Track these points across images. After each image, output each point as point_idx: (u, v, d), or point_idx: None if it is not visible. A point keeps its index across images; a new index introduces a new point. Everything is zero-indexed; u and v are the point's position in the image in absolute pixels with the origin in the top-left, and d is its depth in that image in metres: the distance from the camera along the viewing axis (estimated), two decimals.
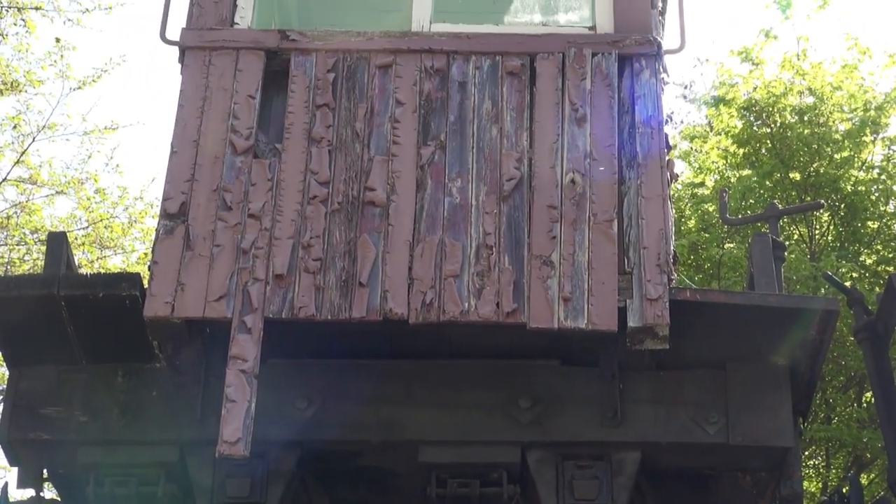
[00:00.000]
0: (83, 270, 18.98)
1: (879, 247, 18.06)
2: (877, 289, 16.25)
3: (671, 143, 8.37)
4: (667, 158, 6.81)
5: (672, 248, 6.53)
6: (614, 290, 6.31)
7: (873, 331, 7.54)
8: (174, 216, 6.49)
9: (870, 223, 18.02)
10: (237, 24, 7.14)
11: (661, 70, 7.08)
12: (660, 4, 7.37)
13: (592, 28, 7.22)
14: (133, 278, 6.55)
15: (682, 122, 24.44)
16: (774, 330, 6.54)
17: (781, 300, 6.80)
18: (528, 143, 6.71)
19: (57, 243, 7.06)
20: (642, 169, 6.64)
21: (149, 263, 6.68)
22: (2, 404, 6.89)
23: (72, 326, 6.55)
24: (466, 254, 6.40)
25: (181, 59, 7.01)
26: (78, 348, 6.66)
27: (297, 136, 6.70)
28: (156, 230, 6.62)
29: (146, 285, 6.39)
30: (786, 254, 8.41)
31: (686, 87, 24.22)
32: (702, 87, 25.14)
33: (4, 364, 6.66)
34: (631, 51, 7.00)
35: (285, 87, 6.90)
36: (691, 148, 20.75)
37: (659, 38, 7.08)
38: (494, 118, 6.78)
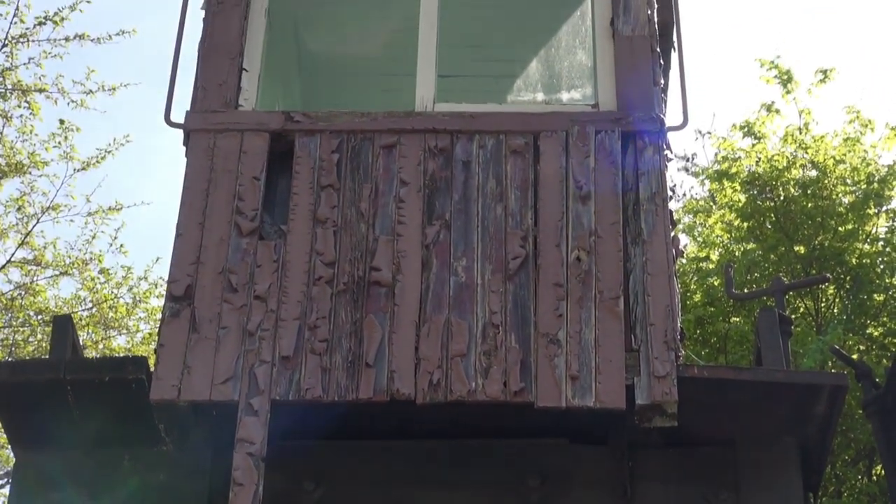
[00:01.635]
0: (88, 351, 18.99)
1: (886, 319, 18.00)
2: (884, 361, 16.21)
3: (675, 217, 8.40)
4: (672, 235, 6.81)
5: (679, 324, 6.52)
6: (622, 367, 6.29)
7: (882, 404, 7.52)
8: (180, 299, 6.49)
9: (876, 296, 17.97)
10: (241, 105, 7.17)
11: (665, 146, 7.09)
12: (662, 81, 7.40)
13: (595, 106, 7.24)
14: (139, 361, 6.55)
15: (684, 195, 24.50)
16: (783, 406, 6.53)
17: (789, 376, 6.79)
18: (532, 222, 6.72)
19: (62, 327, 7.06)
20: (647, 246, 6.64)
21: (155, 346, 6.67)
22: (8, 488, 6.86)
23: (78, 410, 6.53)
24: (473, 333, 6.39)
25: (186, 142, 7.04)
26: (84, 432, 6.63)
27: (302, 216, 6.72)
28: (161, 313, 6.61)
29: (152, 368, 6.38)
30: (792, 328, 8.39)
31: (688, 160, 24.29)
32: (704, 159, 25.28)
33: (10, 447, 6.65)
34: (634, 128, 7.02)
35: (290, 167, 6.92)
36: (695, 222, 20.77)
37: (661, 115, 7.11)
38: (499, 197, 6.80)
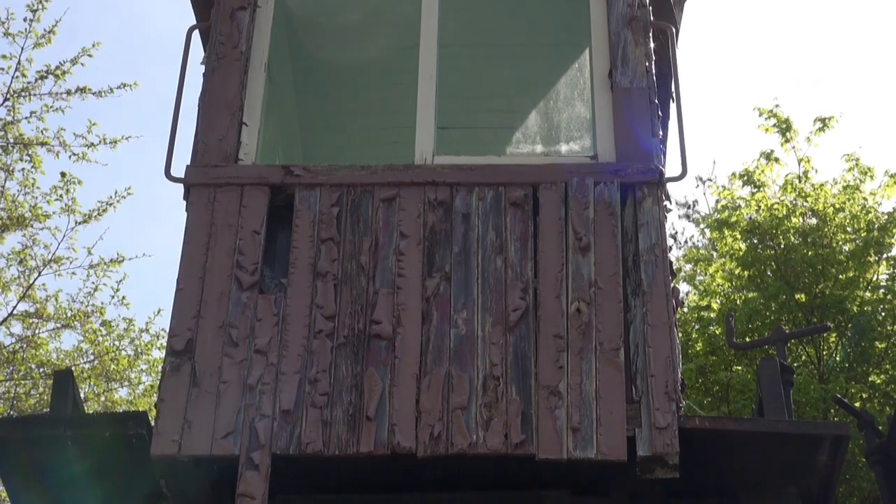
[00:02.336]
0: (90, 404, 18.96)
1: (888, 366, 17.98)
2: (887, 409, 16.18)
3: (676, 266, 8.40)
4: (672, 286, 6.82)
5: (680, 375, 6.51)
6: (623, 419, 6.28)
7: (885, 453, 7.50)
8: (180, 353, 6.49)
9: (878, 343, 17.95)
10: (241, 160, 7.19)
11: (664, 197, 7.11)
12: (660, 133, 7.42)
13: (594, 157, 7.25)
14: (140, 417, 6.55)
15: (686, 242, 24.53)
16: (786, 456, 6.51)
17: (791, 426, 6.77)
18: (532, 273, 6.73)
19: (63, 382, 7.06)
20: (647, 297, 6.64)
21: (155, 401, 6.66)
22: None
23: (79, 465, 6.52)
24: (473, 385, 6.39)
25: (186, 196, 7.06)
26: (85, 487, 6.62)
27: (303, 270, 6.73)
28: (162, 367, 6.61)
29: (153, 423, 6.37)
30: (794, 376, 8.38)
31: (689, 207, 24.33)
32: (705, 205, 25.33)
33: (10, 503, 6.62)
34: (633, 179, 7.04)
35: (290, 221, 6.94)
36: (695, 271, 20.78)
37: (661, 166, 7.12)
38: (499, 249, 6.81)
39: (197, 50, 8.21)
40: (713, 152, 45.56)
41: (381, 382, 6.40)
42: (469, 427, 6.26)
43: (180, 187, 7.13)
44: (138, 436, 6.40)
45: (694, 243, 23.96)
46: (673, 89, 7.97)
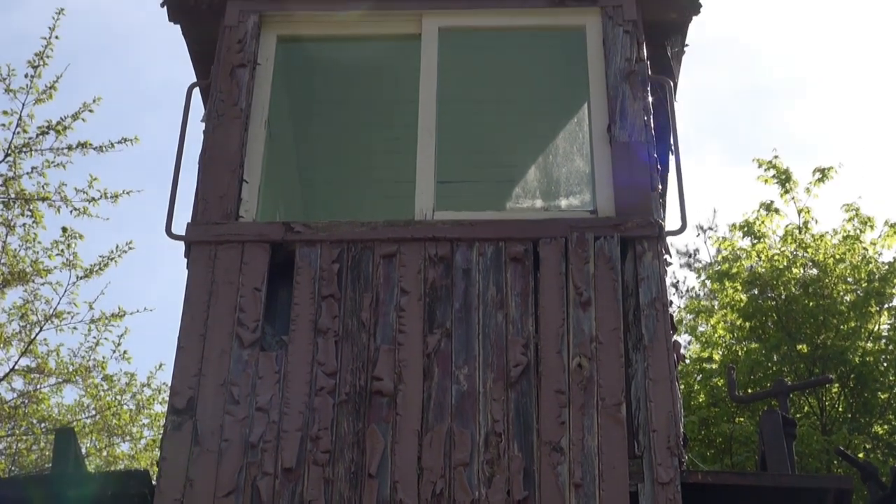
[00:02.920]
0: (92, 459, 18.90)
1: (891, 417, 17.95)
2: (891, 460, 16.13)
3: (677, 316, 8.40)
4: (673, 340, 6.82)
5: (682, 429, 6.50)
6: (625, 474, 6.27)
7: None
8: (182, 412, 6.48)
9: (880, 394, 17.93)
10: (242, 217, 7.20)
11: (664, 251, 7.12)
12: (659, 186, 7.44)
13: (594, 212, 7.27)
14: (141, 476, 6.54)
15: (686, 291, 24.51)
16: None
17: (794, 480, 6.77)
18: (533, 329, 6.73)
19: (65, 439, 7.06)
20: (649, 351, 6.64)
21: (157, 459, 6.65)
22: None
23: None
24: (475, 442, 6.38)
25: (187, 254, 7.07)
26: None
27: (304, 327, 6.74)
28: (164, 426, 6.60)
29: (154, 482, 6.36)
30: (797, 429, 8.36)
31: (690, 256, 24.34)
32: (706, 254, 25.35)
33: None
34: (633, 234, 7.05)
35: (291, 278, 6.94)
36: (696, 322, 20.78)
37: (660, 220, 7.13)
38: (499, 304, 6.81)
39: (197, 107, 8.26)
40: (713, 200, 45.65)
41: (382, 439, 6.39)
42: (471, 484, 6.25)
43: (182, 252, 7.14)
44: (140, 495, 6.39)
45: (696, 293, 23.97)
46: (671, 142, 7.98)
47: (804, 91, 45.60)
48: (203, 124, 7.68)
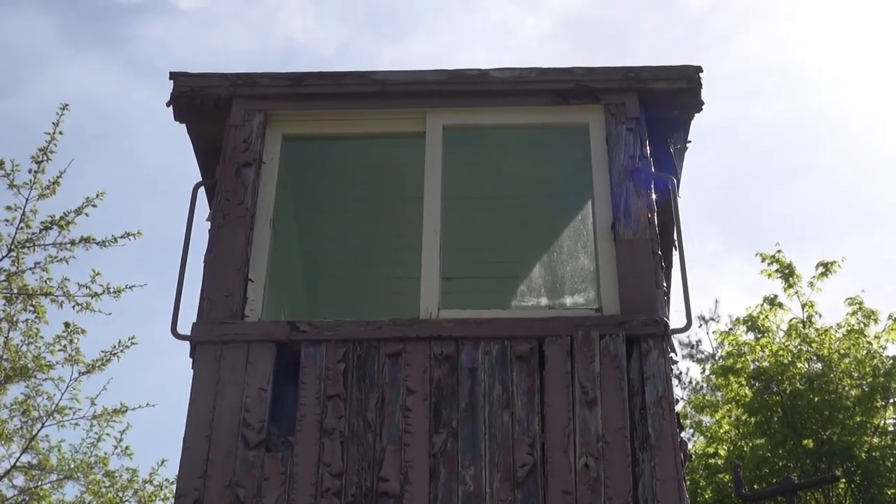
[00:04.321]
0: None
1: None
2: None
3: (682, 411, 8.38)
4: (679, 439, 6.79)
5: None
6: None
7: None
8: None
9: (887, 490, 17.83)
10: (247, 316, 7.20)
11: (669, 349, 7.10)
12: (664, 284, 7.44)
13: (599, 310, 7.25)
14: None
15: (690, 382, 24.45)
16: None
17: None
18: (539, 428, 6.70)
19: None
20: (655, 451, 6.60)
21: None
22: None
23: None
24: None
25: (192, 354, 7.05)
26: None
27: (310, 428, 6.71)
28: None
29: None
30: None
31: (692, 347, 24.29)
32: (707, 344, 25.32)
33: None
34: (638, 331, 7.03)
35: (296, 377, 6.92)
36: (700, 420, 20.74)
37: (665, 318, 7.12)
38: (505, 403, 6.79)
39: (202, 205, 8.28)
40: (711, 285, 45.69)
41: None
42: None
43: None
44: None
45: (699, 385, 23.93)
46: (675, 238, 8.00)
47: (799, 176, 45.82)
48: (208, 223, 7.70)
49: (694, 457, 19.36)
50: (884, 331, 19.73)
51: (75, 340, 17.84)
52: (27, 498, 18.95)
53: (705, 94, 8.06)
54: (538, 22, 47.62)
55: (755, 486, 16.63)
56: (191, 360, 7.04)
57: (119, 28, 42.51)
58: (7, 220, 16.66)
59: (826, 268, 20.09)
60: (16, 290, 16.98)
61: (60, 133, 16.72)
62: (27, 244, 16.76)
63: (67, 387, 18.17)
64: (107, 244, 17.07)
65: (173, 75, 8.13)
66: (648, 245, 7.41)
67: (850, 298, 20.03)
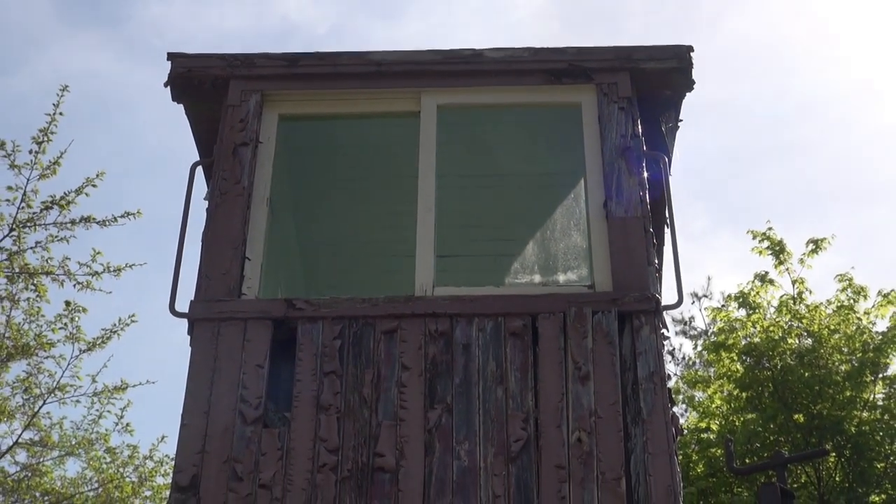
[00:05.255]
0: None
1: (888, 486, 17.95)
2: None
3: (674, 385, 8.46)
4: (671, 413, 6.87)
5: (681, 502, 6.54)
6: None
7: None
8: (185, 489, 6.52)
9: (877, 463, 17.95)
10: (244, 294, 7.26)
11: (661, 325, 7.18)
12: (655, 261, 7.52)
13: (591, 287, 7.33)
14: None
15: (682, 359, 24.55)
16: None
17: None
18: (533, 403, 6.78)
19: None
20: (647, 425, 6.69)
21: None
22: None
23: None
24: None
25: (190, 331, 7.13)
26: None
27: (306, 403, 6.80)
28: (167, 503, 6.63)
29: None
30: (795, 501, 8.40)
31: (685, 324, 24.39)
32: (700, 321, 25.42)
33: None
34: (630, 308, 7.11)
35: (293, 354, 7.00)
36: (692, 394, 20.84)
37: (657, 295, 7.20)
38: (499, 379, 6.87)
39: (200, 183, 8.34)
40: (702, 262, 45.78)
41: None
42: None
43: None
44: None
45: (692, 360, 24.03)
46: (667, 216, 8.07)
47: (789, 153, 45.87)
48: (206, 202, 7.77)
49: (686, 431, 19.47)
50: (873, 307, 19.83)
51: (76, 319, 17.94)
52: (29, 474, 19.07)
53: (696, 74, 8.14)
54: (528, 0, 47.58)
55: (746, 461, 16.74)
56: (189, 337, 7.13)
57: (117, 6, 42.47)
58: (8, 200, 16.74)
59: (816, 245, 20.19)
60: (17, 269, 17.04)
61: (61, 114, 16.79)
62: (28, 224, 16.81)
63: (68, 364, 18.29)
64: (107, 223, 17.12)
65: (171, 56, 8.18)
66: (640, 223, 7.48)
67: (840, 275, 20.13)
